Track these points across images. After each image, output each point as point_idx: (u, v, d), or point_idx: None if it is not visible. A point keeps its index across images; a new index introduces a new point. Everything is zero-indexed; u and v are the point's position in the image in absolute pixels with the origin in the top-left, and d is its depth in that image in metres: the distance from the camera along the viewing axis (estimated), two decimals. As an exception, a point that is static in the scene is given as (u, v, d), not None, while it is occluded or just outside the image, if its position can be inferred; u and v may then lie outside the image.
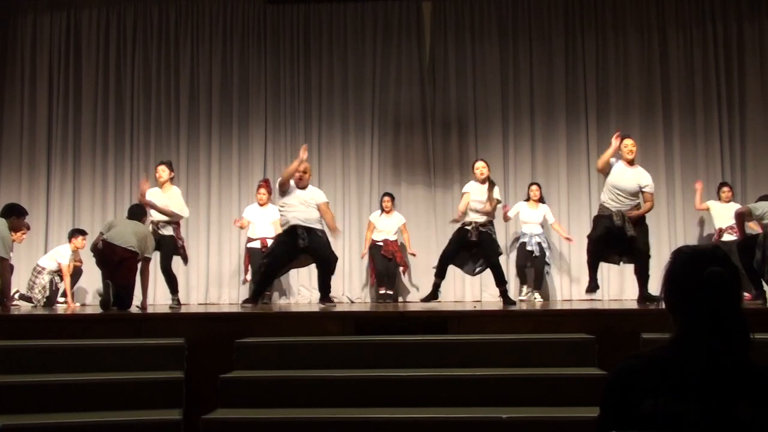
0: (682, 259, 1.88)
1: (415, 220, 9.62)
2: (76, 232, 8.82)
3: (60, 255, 8.59)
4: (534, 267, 8.91)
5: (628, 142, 6.95)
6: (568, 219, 9.38)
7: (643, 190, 6.88)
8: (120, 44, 10.14)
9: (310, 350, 5.00)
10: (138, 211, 7.07)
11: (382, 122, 9.91)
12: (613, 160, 6.93)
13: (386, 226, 9.20)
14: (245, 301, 7.30)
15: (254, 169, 9.85)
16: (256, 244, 8.80)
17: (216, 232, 9.79)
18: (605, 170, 6.90)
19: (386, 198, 9.31)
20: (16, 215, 7.05)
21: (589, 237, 7.06)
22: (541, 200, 9.10)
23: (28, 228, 7.56)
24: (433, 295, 7.21)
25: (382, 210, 9.27)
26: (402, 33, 9.97)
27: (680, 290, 1.85)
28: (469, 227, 7.06)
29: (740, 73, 9.65)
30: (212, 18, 10.11)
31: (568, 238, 9.08)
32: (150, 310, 6.96)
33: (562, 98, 9.77)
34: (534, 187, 9.10)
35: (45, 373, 4.94)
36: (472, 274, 7.53)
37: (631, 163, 6.89)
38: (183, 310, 7.39)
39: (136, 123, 10.03)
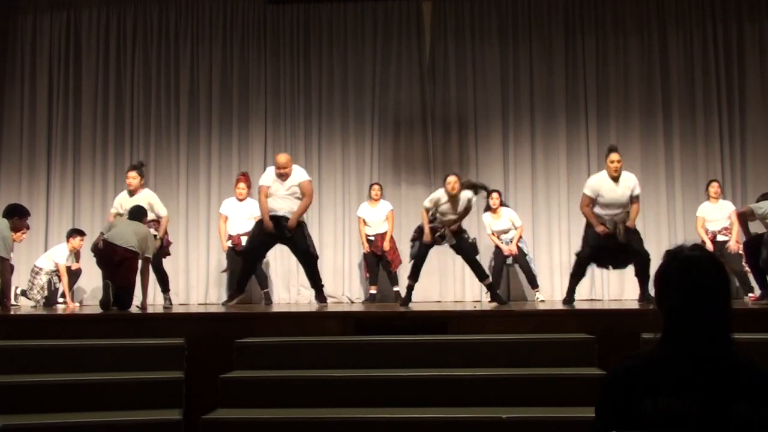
0: (671, 263, 1.90)
1: (415, 220, 9.59)
2: (74, 232, 8.79)
3: (57, 255, 8.57)
4: (521, 267, 8.79)
5: (615, 157, 6.63)
6: (569, 219, 9.37)
7: (634, 195, 6.66)
8: (120, 44, 10.13)
9: (310, 350, 5.01)
10: (138, 212, 7.08)
11: (382, 122, 9.91)
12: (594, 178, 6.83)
13: (374, 217, 9.04)
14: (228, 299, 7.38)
15: (254, 169, 9.79)
16: (230, 243, 8.55)
17: (216, 232, 9.76)
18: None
19: (375, 186, 9.16)
20: (18, 216, 7.06)
21: (578, 255, 6.93)
22: (502, 204, 8.83)
23: (28, 228, 7.57)
24: (408, 298, 7.15)
25: (370, 197, 9.12)
26: (402, 33, 9.96)
27: (669, 293, 1.87)
28: (440, 227, 7.12)
29: (740, 73, 9.64)
30: (212, 18, 10.11)
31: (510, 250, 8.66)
32: (150, 310, 6.96)
33: (562, 98, 9.76)
34: (494, 195, 8.70)
35: (45, 373, 4.95)
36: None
37: (615, 179, 6.66)
38: (183, 310, 7.41)
39: (136, 123, 10.02)
